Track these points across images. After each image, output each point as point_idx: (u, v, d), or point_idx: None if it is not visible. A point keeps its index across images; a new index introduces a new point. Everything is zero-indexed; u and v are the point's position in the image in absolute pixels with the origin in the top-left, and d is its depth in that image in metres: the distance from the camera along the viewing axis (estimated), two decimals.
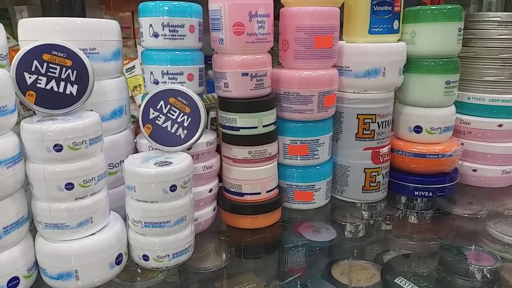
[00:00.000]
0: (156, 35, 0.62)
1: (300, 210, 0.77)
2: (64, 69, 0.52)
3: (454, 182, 0.82)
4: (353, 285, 0.59)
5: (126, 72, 1.10)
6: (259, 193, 0.70)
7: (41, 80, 0.51)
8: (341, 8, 0.72)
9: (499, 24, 0.81)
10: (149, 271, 0.59)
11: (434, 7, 0.75)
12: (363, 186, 0.78)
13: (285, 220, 0.75)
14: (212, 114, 0.89)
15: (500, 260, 0.64)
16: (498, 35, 0.81)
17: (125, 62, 1.11)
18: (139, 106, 0.96)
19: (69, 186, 0.50)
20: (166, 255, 0.57)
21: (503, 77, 0.83)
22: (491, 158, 0.86)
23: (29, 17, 1.16)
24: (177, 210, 0.56)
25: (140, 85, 1.07)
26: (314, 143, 0.73)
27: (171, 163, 0.55)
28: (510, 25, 0.80)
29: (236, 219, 0.71)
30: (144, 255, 0.57)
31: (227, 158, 0.70)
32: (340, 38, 0.76)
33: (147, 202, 0.55)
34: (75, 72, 0.53)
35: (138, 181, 0.54)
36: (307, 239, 0.70)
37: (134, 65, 1.12)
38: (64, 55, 0.52)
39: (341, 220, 0.76)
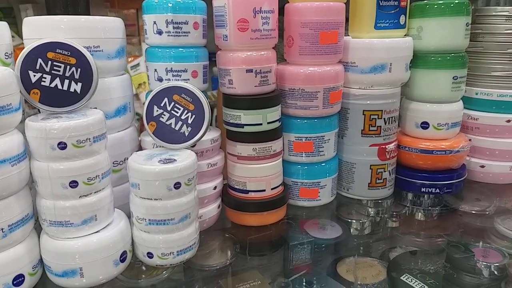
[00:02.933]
0: (160, 32, 0.62)
1: (305, 207, 0.77)
2: (68, 67, 0.52)
3: (462, 179, 0.81)
4: (358, 283, 0.59)
5: (131, 69, 1.11)
6: (264, 190, 0.69)
7: (45, 78, 0.51)
8: (347, 3, 0.71)
9: (507, 18, 0.80)
10: (154, 269, 0.60)
11: (442, 2, 0.73)
12: (369, 183, 0.78)
13: (290, 217, 0.75)
14: None
15: (508, 256, 0.63)
16: (506, 30, 0.80)
17: (130, 59, 1.11)
18: (144, 103, 0.97)
19: (73, 184, 0.50)
20: (170, 253, 0.57)
21: (511, 72, 0.82)
22: (499, 154, 0.85)
23: (34, 15, 1.16)
24: (181, 208, 0.56)
25: (145, 82, 1.07)
26: (320, 140, 0.73)
27: (175, 160, 0.55)
28: None
29: (241, 216, 0.71)
30: (148, 253, 0.57)
31: (231, 155, 0.70)
32: (346, 34, 0.75)
33: (151, 199, 0.55)
34: (79, 70, 0.53)
35: (142, 178, 0.54)
36: (312, 236, 0.70)
37: (138, 63, 1.12)
38: (68, 53, 0.52)
39: (347, 217, 0.76)
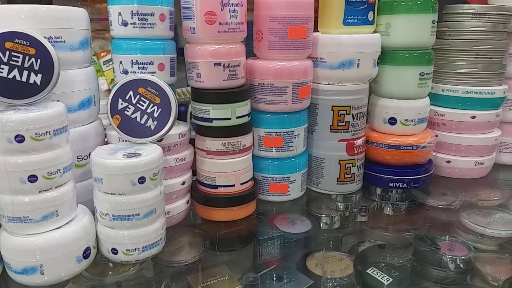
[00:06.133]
0: (125, 24, 0.60)
1: (275, 202, 0.77)
2: (27, 57, 0.50)
3: (428, 174, 0.83)
4: (327, 276, 0.59)
5: (104, 64, 1.08)
6: (233, 185, 0.69)
7: (3, 68, 0.49)
8: None
9: (473, 16, 0.81)
10: (121, 265, 0.58)
11: None
12: (338, 178, 0.78)
13: (260, 212, 0.75)
14: None
15: (473, 250, 0.64)
16: (472, 27, 0.82)
17: (102, 54, 1.08)
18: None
19: (32, 178, 0.48)
20: (135, 249, 0.56)
21: (476, 69, 0.84)
22: (465, 150, 0.86)
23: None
24: (146, 203, 0.54)
25: None
26: (289, 135, 0.73)
27: (140, 154, 0.54)
28: (484, 17, 0.81)
29: (210, 211, 0.70)
30: (113, 249, 0.56)
31: (200, 150, 0.69)
32: (316, 30, 0.75)
33: (115, 194, 0.53)
34: (39, 60, 0.51)
35: (106, 173, 0.53)
36: (282, 231, 0.69)
37: (111, 58, 1.09)
38: (27, 43, 0.50)
39: (316, 212, 0.76)
